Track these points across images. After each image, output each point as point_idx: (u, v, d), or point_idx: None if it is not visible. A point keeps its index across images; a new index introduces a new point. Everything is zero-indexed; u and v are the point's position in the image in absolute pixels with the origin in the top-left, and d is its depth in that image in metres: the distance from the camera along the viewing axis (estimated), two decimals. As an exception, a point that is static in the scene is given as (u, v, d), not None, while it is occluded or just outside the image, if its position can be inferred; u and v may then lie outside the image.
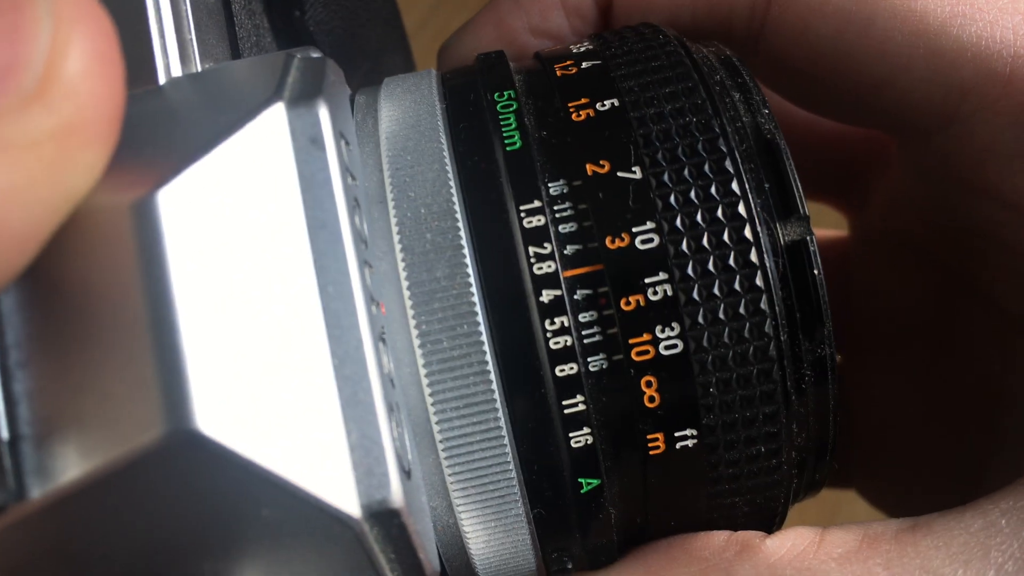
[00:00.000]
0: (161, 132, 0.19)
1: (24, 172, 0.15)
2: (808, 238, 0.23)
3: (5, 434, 0.17)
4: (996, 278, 0.30)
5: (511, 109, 0.24)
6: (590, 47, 0.26)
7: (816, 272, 0.23)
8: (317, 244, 0.19)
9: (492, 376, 0.22)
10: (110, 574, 0.19)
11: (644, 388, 0.22)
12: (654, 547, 0.24)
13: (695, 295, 0.22)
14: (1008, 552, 0.22)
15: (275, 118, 0.19)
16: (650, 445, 0.23)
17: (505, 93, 0.24)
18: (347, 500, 0.18)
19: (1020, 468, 0.24)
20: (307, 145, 0.19)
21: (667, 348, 0.22)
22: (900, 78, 0.27)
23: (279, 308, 0.18)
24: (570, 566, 0.25)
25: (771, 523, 0.25)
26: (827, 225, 0.39)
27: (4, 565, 0.18)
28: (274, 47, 0.30)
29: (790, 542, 0.23)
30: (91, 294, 0.17)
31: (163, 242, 0.17)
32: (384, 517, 0.19)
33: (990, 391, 0.31)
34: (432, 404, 0.22)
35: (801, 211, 0.23)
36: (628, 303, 0.22)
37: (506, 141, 0.23)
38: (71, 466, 0.17)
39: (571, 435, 0.23)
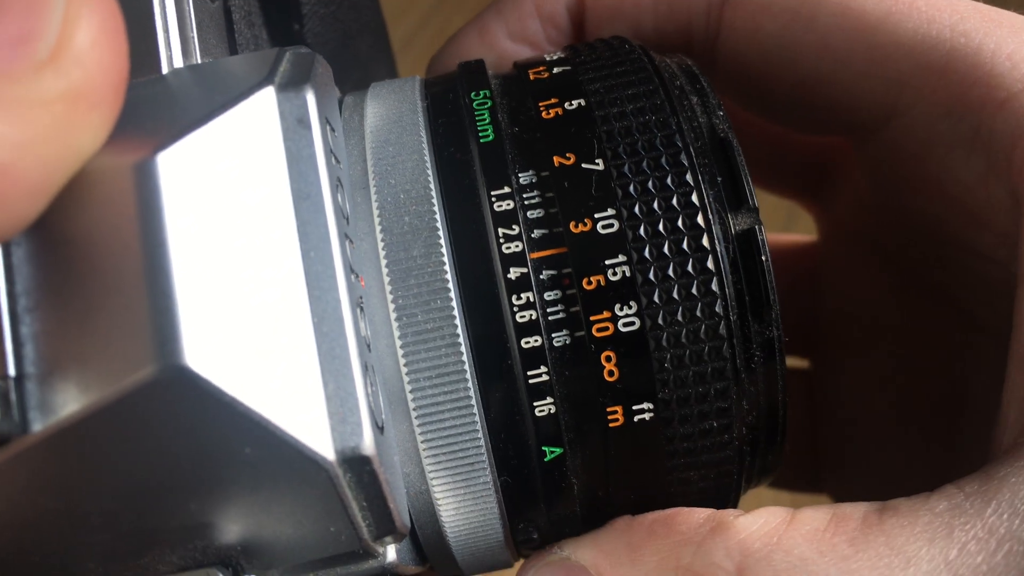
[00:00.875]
0: (161, 110, 0.21)
1: (37, 128, 0.17)
2: (757, 227, 0.25)
3: (12, 371, 0.19)
4: (951, 278, 0.32)
5: (486, 107, 0.26)
6: (562, 56, 0.28)
7: (764, 259, 0.25)
8: (301, 213, 0.21)
9: (463, 348, 0.24)
10: (101, 509, 0.20)
11: (604, 362, 0.24)
12: (640, 519, 0.26)
13: (651, 276, 0.24)
14: (971, 532, 0.22)
15: (266, 99, 0.21)
16: (610, 417, 0.25)
17: (481, 93, 0.27)
18: (322, 444, 0.20)
19: (983, 460, 0.25)
20: (294, 124, 0.21)
21: (625, 325, 0.24)
22: (841, 73, 0.29)
23: (265, 268, 0.20)
24: (536, 536, 0.27)
25: (726, 500, 0.27)
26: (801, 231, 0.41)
27: (4, 496, 0.20)
28: (272, 57, 0.32)
29: (762, 519, 0.24)
30: (94, 245, 0.19)
31: (161, 199, 0.19)
32: (356, 463, 0.20)
33: (954, 391, 0.33)
34: (407, 374, 0.24)
35: (751, 203, 0.25)
36: (589, 283, 0.24)
37: (480, 134, 0.26)
38: (71, 401, 0.18)
39: (535, 404, 0.24)
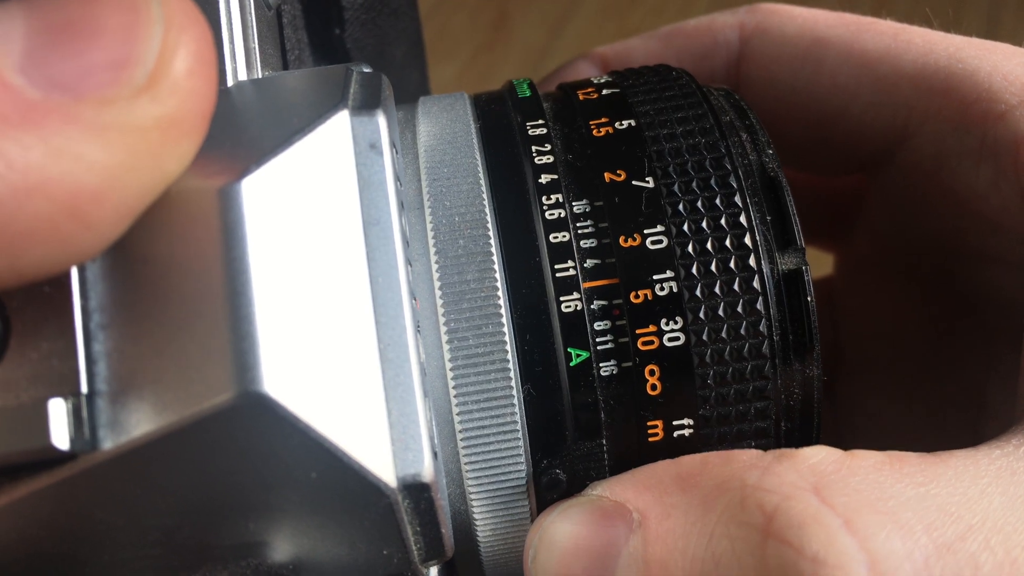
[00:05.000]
0: (232, 129, 0.21)
1: (129, 154, 0.17)
2: (804, 267, 0.25)
3: (84, 388, 0.19)
4: (970, 289, 0.33)
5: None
6: (609, 79, 0.29)
7: (809, 299, 0.25)
8: (371, 239, 0.21)
9: (512, 374, 0.24)
10: (162, 525, 0.20)
11: (647, 376, 0.24)
12: (688, 456, 0.25)
13: (698, 293, 0.24)
14: None
15: (340, 124, 0.21)
16: (649, 432, 0.25)
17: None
18: (385, 470, 0.20)
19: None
20: (367, 149, 0.21)
21: (670, 340, 0.24)
22: (851, 106, 0.31)
23: (336, 293, 0.20)
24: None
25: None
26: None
27: (67, 511, 0.20)
28: (311, 61, 0.32)
29: (823, 452, 0.24)
30: (173, 265, 0.19)
31: (244, 225, 0.19)
32: (415, 490, 0.21)
33: (974, 402, 0.33)
34: (455, 396, 0.24)
35: (798, 243, 0.25)
36: (637, 296, 0.24)
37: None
38: (144, 421, 0.18)
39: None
